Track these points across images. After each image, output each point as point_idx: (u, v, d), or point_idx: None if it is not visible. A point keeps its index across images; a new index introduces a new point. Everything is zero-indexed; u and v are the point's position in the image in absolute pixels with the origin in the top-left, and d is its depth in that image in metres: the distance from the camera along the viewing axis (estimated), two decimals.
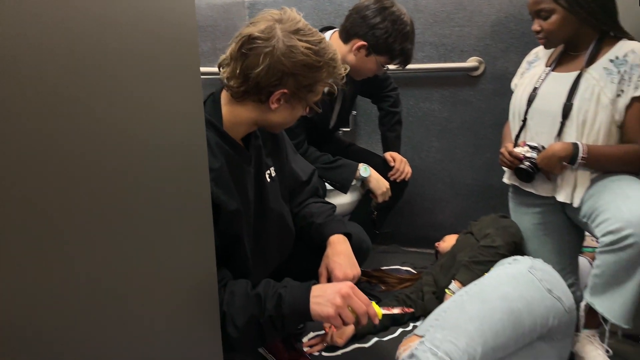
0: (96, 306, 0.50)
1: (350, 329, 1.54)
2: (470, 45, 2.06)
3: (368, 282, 1.86)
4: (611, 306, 1.22)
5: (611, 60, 1.34)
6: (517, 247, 1.54)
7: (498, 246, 1.49)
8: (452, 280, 1.52)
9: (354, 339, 1.53)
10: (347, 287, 0.93)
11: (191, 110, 0.70)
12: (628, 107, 1.31)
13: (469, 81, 2.10)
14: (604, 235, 1.21)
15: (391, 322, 1.59)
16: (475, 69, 2.06)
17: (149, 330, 0.60)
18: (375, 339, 1.53)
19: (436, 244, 1.88)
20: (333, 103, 1.79)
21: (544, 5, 1.36)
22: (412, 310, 1.31)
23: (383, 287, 1.82)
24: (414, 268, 2.03)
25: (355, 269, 1.07)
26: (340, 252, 1.08)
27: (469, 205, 2.21)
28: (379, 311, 0.99)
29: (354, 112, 2.22)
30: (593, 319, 1.32)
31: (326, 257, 1.10)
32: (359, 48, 1.58)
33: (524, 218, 1.58)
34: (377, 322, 0.99)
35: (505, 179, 1.62)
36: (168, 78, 0.62)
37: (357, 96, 1.98)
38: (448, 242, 1.81)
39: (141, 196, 0.57)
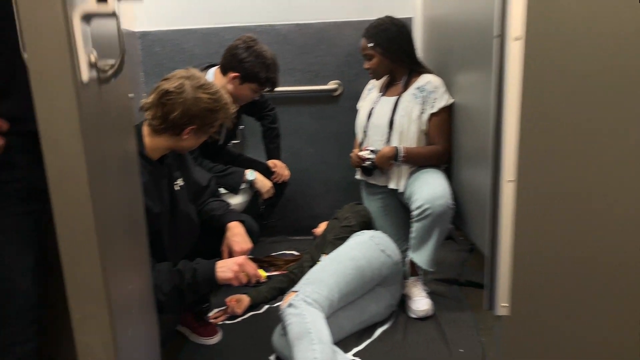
0: None
1: (246, 301, 1.94)
2: (330, 71, 2.59)
3: (262, 267, 2.28)
4: (422, 257, 1.79)
5: (417, 88, 1.92)
6: (367, 225, 2.06)
7: (353, 225, 2.00)
8: (322, 254, 2.00)
9: (250, 308, 1.94)
10: (242, 259, 1.36)
11: (127, 148, 1.07)
12: (429, 120, 1.90)
13: (331, 100, 2.62)
14: (414, 210, 1.77)
15: (279, 293, 2.04)
16: (335, 90, 2.59)
17: None
18: (266, 307, 1.95)
19: (313, 230, 2.33)
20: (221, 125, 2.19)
21: (367, 51, 1.93)
22: (285, 272, 1.76)
23: (272, 269, 2.26)
24: (297, 251, 2.49)
25: (248, 244, 1.49)
26: (237, 233, 1.50)
27: (338, 197, 2.71)
28: (264, 273, 1.43)
29: (242, 127, 2.63)
30: (414, 269, 1.89)
31: (226, 238, 1.51)
32: (233, 78, 1.98)
33: (371, 203, 2.13)
34: (262, 280, 1.43)
35: (357, 176, 2.16)
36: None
37: (243, 115, 2.39)
38: (321, 227, 2.26)
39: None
